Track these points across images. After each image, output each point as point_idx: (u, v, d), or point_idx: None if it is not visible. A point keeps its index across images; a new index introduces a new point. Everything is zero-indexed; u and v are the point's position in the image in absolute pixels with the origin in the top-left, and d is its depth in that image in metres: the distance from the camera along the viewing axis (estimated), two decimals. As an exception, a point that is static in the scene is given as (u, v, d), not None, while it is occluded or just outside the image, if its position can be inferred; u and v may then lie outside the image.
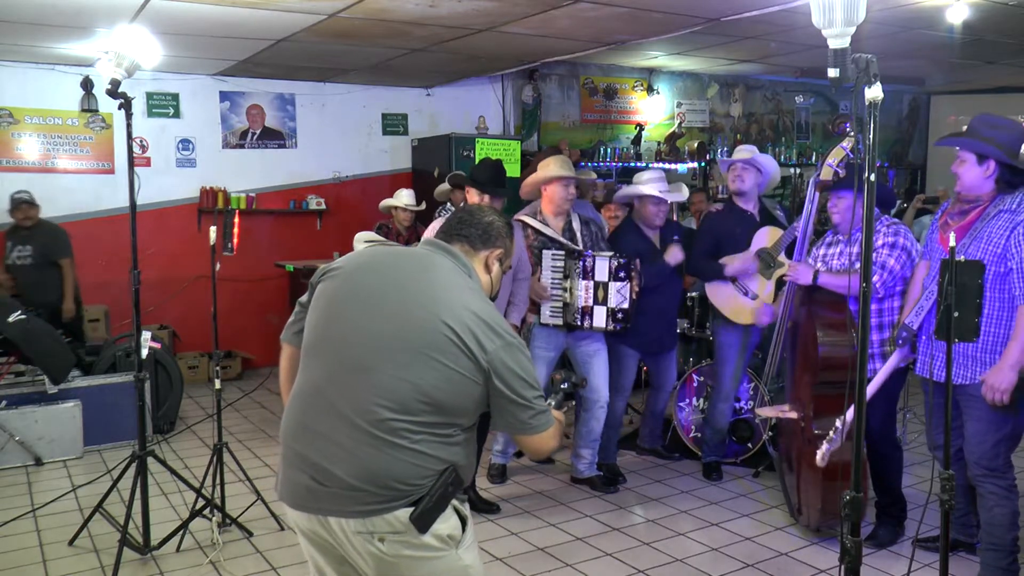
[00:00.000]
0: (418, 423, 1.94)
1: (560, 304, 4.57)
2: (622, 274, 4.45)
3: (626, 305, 4.48)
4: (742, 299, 4.75)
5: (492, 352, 1.96)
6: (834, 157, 3.99)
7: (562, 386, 2.43)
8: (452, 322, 1.96)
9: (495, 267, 2.25)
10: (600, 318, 4.50)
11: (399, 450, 1.93)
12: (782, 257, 4.61)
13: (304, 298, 2.23)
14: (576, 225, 4.70)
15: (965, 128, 3.47)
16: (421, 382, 1.94)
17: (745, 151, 4.85)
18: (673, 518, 4.42)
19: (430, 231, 4.41)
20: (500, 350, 1.98)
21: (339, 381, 2.00)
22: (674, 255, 4.78)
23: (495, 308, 2.10)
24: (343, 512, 1.94)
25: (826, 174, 4.01)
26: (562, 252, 4.56)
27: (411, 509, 1.93)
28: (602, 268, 4.48)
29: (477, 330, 1.96)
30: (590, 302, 4.47)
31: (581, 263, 4.48)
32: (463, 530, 2.02)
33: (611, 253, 4.55)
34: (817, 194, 4.16)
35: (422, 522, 1.93)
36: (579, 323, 4.51)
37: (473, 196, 4.36)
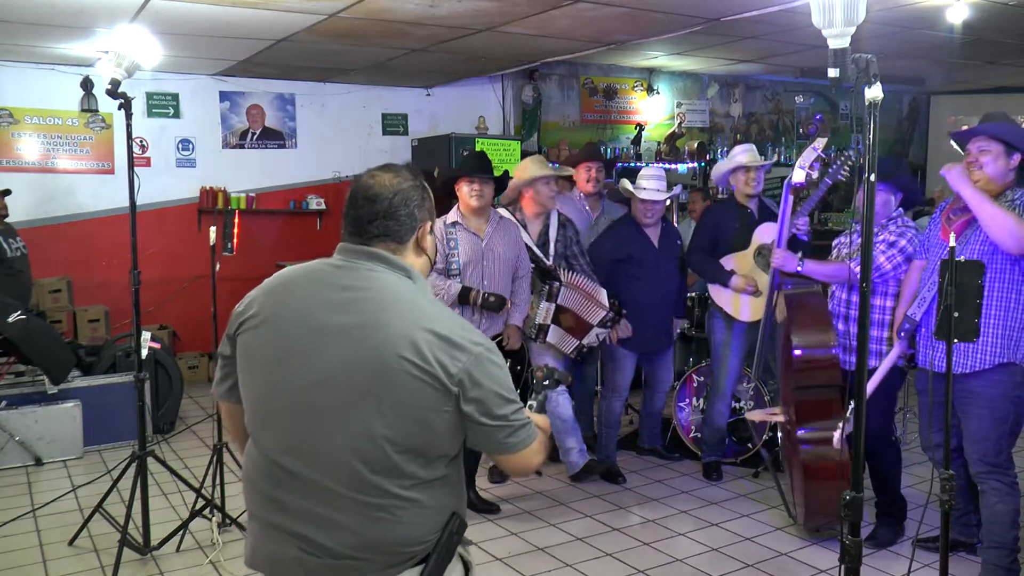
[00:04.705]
0: (406, 474, 1.68)
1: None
2: (608, 324, 4.69)
3: (595, 344, 4.78)
4: (744, 295, 4.74)
5: (458, 373, 1.66)
6: (805, 159, 3.98)
7: (544, 383, 2.15)
8: (408, 352, 1.64)
9: (428, 241, 1.86)
10: (554, 336, 4.71)
11: (397, 511, 1.69)
12: None
13: (225, 350, 1.88)
14: (552, 232, 4.80)
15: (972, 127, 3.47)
16: (390, 432, 1.65)
17: (747, 154, 4.80)
18: (673, 518, 4.43)
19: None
20: (467, 367, 1.67)
21: (299, 451, 1.71)
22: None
23: (451, 312, 1.80)
24: None
25: (798, 176, 4.00)
26: (532, 265, 4.68)
27: (419, 568, 1.73)
28: (595, 314, 4.65)
29: (440, 352, 1.65)
30: (547, 321, 4.68)
31: (547, 287, 4.67)
32: None
33: (610, 301, 4.64)
34: (791, 197, 4.15)
35: None
36: (533, 337, 4.70)
37: (463, 185, 4.41)
